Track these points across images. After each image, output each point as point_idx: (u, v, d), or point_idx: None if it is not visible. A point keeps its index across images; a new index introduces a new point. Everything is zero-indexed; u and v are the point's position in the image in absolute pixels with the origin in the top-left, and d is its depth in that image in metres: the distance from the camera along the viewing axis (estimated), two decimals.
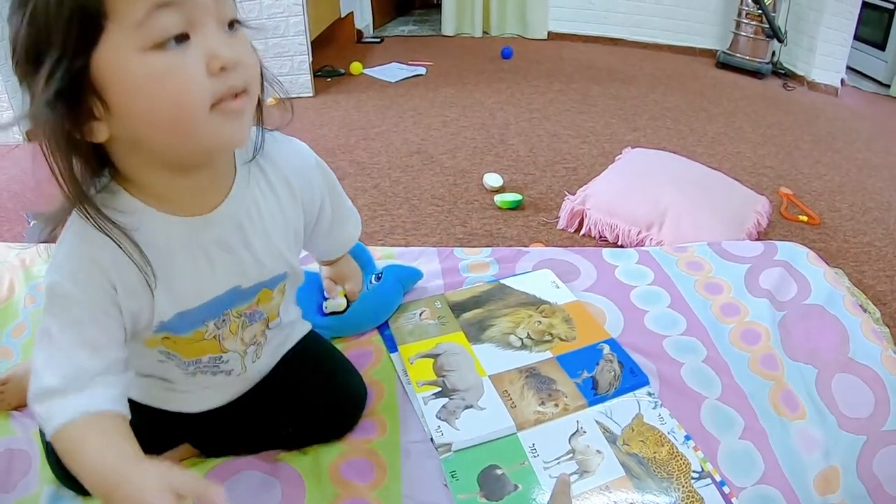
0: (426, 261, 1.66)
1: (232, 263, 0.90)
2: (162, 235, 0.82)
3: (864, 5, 5.86)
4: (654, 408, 1.25)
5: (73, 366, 0.76)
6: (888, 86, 5.69)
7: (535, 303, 1.51)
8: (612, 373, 1.31)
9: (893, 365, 1.43)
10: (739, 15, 4.95)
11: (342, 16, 4.54)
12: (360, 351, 1.35)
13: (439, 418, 1.17)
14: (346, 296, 1.40)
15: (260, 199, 0.93)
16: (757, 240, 2.18)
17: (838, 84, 5.06)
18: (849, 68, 6.03)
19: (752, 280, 1.65)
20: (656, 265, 1.70)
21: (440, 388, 1.24)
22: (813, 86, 5.00)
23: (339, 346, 1.31)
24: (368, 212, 2.34)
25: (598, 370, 1.32)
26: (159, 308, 0.85)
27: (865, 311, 1.99)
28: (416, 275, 1.54)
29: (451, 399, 1.22)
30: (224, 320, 0.95)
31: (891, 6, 5.62)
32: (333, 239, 1.23)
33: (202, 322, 0.92)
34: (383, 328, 1.41)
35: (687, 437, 1.20)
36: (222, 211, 0.88)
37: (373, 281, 1.42)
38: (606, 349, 1.38)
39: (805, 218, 2.62)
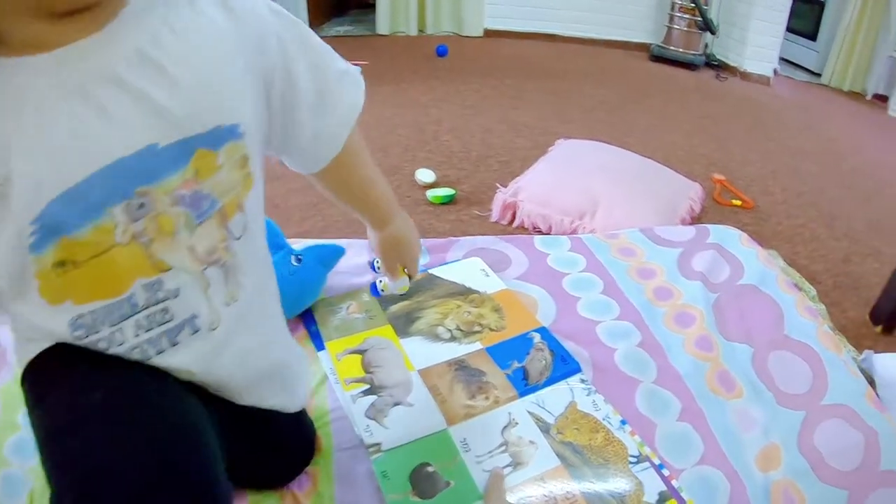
0: (355, 253, 1.60)
1: (136, 108, 0.60)
2: (14, 80, 0.57)
3: None
4: (588, 395, 1.22)
5: None
6: (819, 74, 5.85)
7: (464, 292, 1.47)
8: (543, 362, 1.28)
9: (829, 340, 1.42)
10: (672, 8, 5.02)
11: None
12: None
13: (368, 417, 1.13)
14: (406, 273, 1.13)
15: (173, 16, 0.63)
16: (690, 225, 2.17)
17: (770, 74, 5.16)
18: (782, 59, 6.17)
19: (685, 263, 1.64)
20: (588, 252, 1.67)
21: (368, 386, 1.19)
22: (746, 76, 5.09)
23: None
24: (301, 213, 2.27)
25: (529, 360, 1.29)
26: (25, 185, 0.57)
27: (800, 289, 2.00)
28: (337, 251, 1.45)
29: (379, 396, 1.17)
30: (143, 205, 0.63)
31: None
32: (330, 112, 0.86)
33: (102, 207, 0.61)
34: (309, 324, 1.35)
35: (623, 422, 1.17)
36: (110, 35, 0.60)
37: (293, 262, 1.33)
38: (537, 338, 1.35)
39: (738, 202, 2.63)
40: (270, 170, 2.48)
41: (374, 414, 1.13)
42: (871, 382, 1.51)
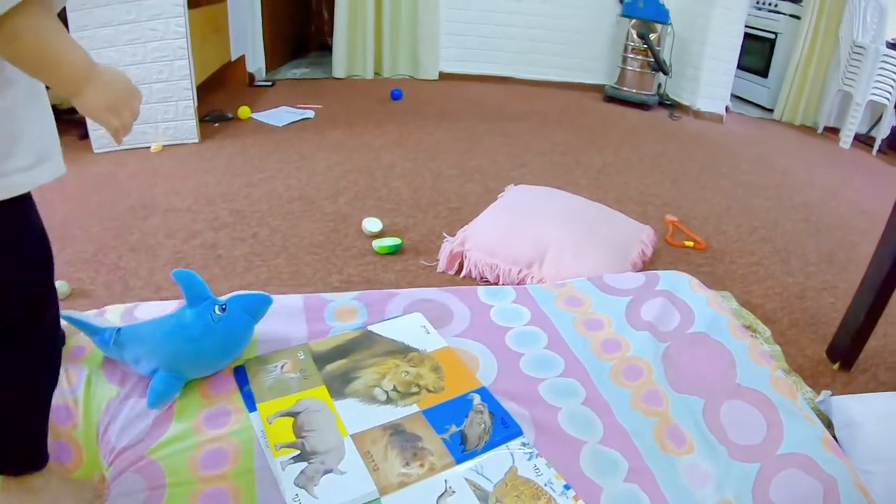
0: (291, 309, 1.52)
1: None
2: None
3: (747, 36, 6.14)
4: (530, 458, 1.16)
5: None
6: (771, 110, 5.95)
7: (403, 351, 1.40)
8: (483, 425, 1.21)
9: (783, 386, 1.38)
10: (626, 50, 5.08)
11: (233, 59, 4.40)
12: (219, 409, 1.20)
13: (297, 485, 1.06)
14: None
15: None
16: (642, 269, 2.14)
17: (723, 111, 5.23)
18: (734, 96, 6.28)
19: (634, 313, 1.59)
20: (533, 303, 1.61)
21: (299, 451, 1.12)
22: (699, 114, 5.15)
23: (197, 399, 1.19)
24: (245, 262, 2.21)
25: (468, 423, 1.22)
26: None
27: (754, 332, 1.96)
28: (264, 301, 1.38)
29: (310, 463, 1.10)
30: None
31: (772, 36, 5.90)
32: None
33: None
34: (242, 383, 1.27)
35: (566, 487, 1.11)
36: None
37: (217, 312, 1.26)
38: (477, 399, 1.28)
39: (691, 243, 2.61)
40: (216, 218, 2.44)
41: (303, 482, 1.07)
42: (830, 425, 1.48)
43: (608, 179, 3.35)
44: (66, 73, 0.85)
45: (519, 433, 1.21)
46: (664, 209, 2.97)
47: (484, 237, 2.10)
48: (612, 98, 5.18)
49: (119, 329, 1.24)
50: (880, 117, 5.34)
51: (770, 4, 6.04)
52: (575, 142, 3.99)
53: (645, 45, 4.92)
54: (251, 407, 1.22)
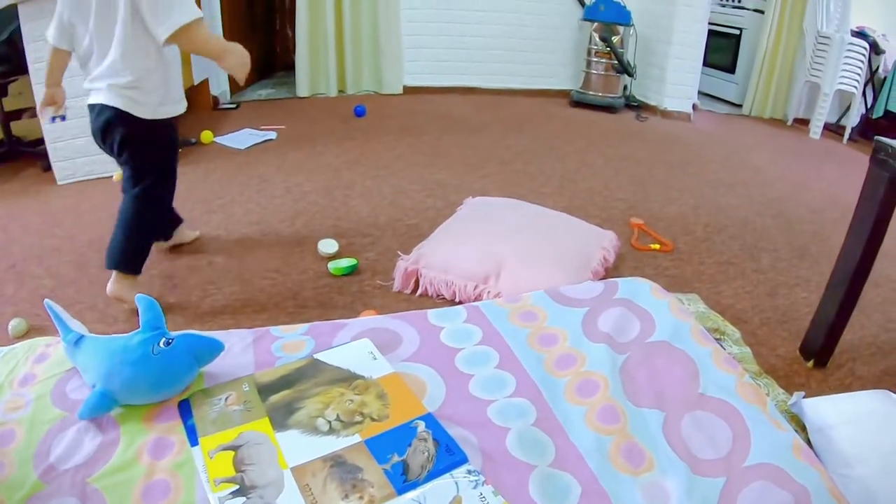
0: (239, 340, 1.46)
1: None
2: None
3: (713, 33, 6.15)
4: (475, 487, 1.08)
5: None
6: (740, 105, 5.95)
7: (348, 378, 1.33)
8: (426, 453, 1.14)
9: (751, 392, 1.32)
10: (589, 54, 5.07)
11: (195, 83, 4.35)
12: (163, 440, 1.16)
13: None
14: None
15: None
16: (605, 276, 2.08)
17: (690, 110, 5.22)
18: (702, 93, 6.28)
19: (591, 324, 1.51)
20: (486, 322, 1.53)
21: (238, 486, 1.06)
22: (666, 114, 5.13)
23: (141, 428, 1.17)
24: (200, 291, 2.16)
25: (410, 452, 1.14)
26: None
27: (722, 335, 1.90)
28: (215, 346, 1.33)
29: (248, 498, 1.04)
30: None
31: (737, 32, 5.91)
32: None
33: None
34: (186, 417, 1.22)
35: None
36: None
37: (160, 345, 1.23)
38: (421, 426, 1.20)
39: (657, 246, 2.56)
40: (175, 247, 2.38)
41: None
42: (804, 429, 1.42)
43: (572, 186, 3.30)
44: (215, 50, 2.01)
45: (464, 460, 1.13)
46: (630, 212, 2.92)
47: (438, 254, 2.04)
48: (579, 103, 5.16)
49: (82, 336, 1.28)
50: (849, 106, 5.35)
51: (734, 1, 6.05)
52: (539, 149, 3.95)
53: (607, 48, 4.90)
54: (193, 441, 1.17)
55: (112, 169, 3.14)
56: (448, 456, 1.14)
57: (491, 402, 1.28)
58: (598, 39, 4.93)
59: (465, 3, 5.13)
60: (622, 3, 4.93)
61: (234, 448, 1.15)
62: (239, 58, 2.01)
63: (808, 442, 1.43)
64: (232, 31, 4.94)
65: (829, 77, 5.26)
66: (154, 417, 1.21)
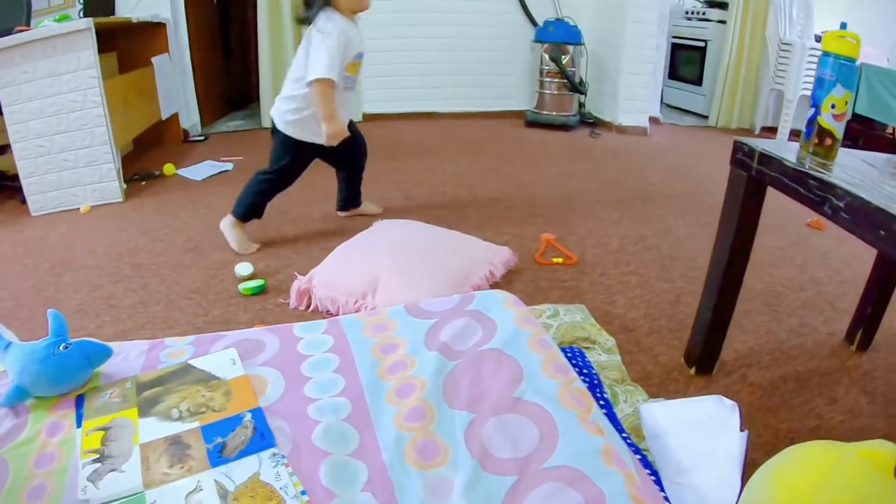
0: (136, 348, 1.68)
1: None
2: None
3: (679, 47, 6.26)
4: (275, 466, 1.26)
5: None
6: (707, 117, 6.03)
7: (207, 379, 1.53)
8: (243, 437, 1.34)
9: (573, 398, 1.41)
10: (542, 74, 5.18)
11: (164, 118, 4.53)
12: (58, 423, 1.40)
13: (89, 480, 1.24)
14: None
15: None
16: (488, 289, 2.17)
17: (646, 124, 5.30)
18: (672, 107, 6.37)
19: (433, 334, 1.63)
20: (340, 333, 1.67)
21: (99, 456, 1.31)
22: (621, 130, 5.22)
23: (44, 414, 1.41)
24: (130, 310, 2.33)
25: (232, 436, 1.34)
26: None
27: (593, 343, 2.00)
28: (104, 351, 1.58)
29: (102, 465, 1.29)
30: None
31: (702, 44, 6.00)
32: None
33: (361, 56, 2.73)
34: (79, 406, 1.46)
35: (303, 492, 1.19)
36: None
37: (60, 349, 1.50)
38: (247, 417, 1.40)
39: (560, 259, 2.64)
40: (118, 272, 2.57)
41: (94, 478, 1.25)
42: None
43: (496, 205, 3.42)
44: (327, 112, 2.60)
45: (271, 445, 1.31)
46: (544, 228, 3.03)
47: (327, 273, 2.17)
48: (533, 123, 5.27)
49: (10, 343, 1.53)
50: None
51: (698, 14, 6.15)
52: (476, 171, 4.07)
53: (558, 69, 5.01)
54: (79, 423, 1.41)
55: (80, 201, 3.38)
56: (260, 441, 1.33)
57: (316, 400, 1.43)
58: (548, 60, 5.04)
59: (421, 30, 5.29)
60: (572, 23, 5.05)
61: (105, 429, 1.39)
62: (334, 128, 2.65)
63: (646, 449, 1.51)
64: (203, 65, 5.14)
65: (792, 84, 5.35)
66: (56, 407, 1.46)
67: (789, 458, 1.20)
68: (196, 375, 1.55)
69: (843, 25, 1.61)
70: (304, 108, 2.68)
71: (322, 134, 2.67)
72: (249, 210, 2.86)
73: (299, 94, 2.67)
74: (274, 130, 2.83)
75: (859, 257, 2.91)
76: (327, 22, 2.53)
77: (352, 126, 2.99)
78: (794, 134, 5.53)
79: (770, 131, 5.82)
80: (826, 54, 1.56)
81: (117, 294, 2.44)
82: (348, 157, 3.07)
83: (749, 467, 1.26)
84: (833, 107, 1.56)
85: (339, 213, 3.22)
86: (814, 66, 5.27)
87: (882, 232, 1.23)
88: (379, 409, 1.39)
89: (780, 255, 2.93)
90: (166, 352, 1.65)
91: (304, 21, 2.65)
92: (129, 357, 1.64)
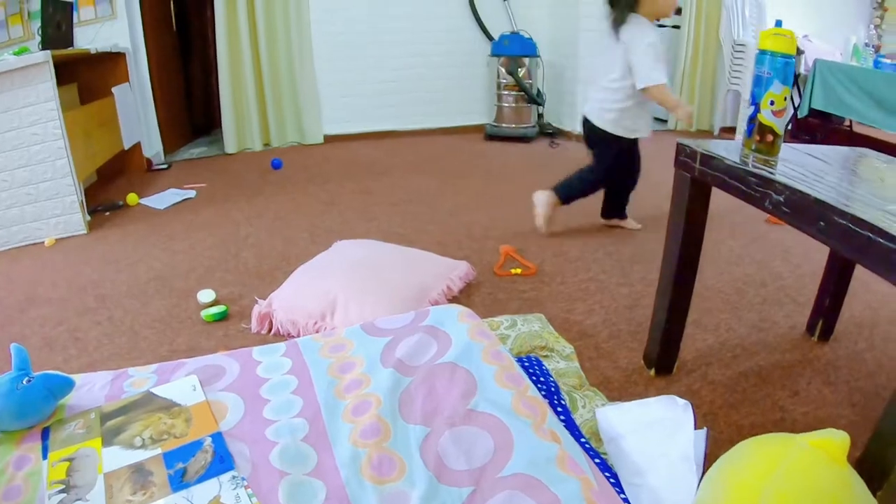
0: (101, 379, 1.67)
1: None
2: None
3: None
4: (234, 488, 1.28)
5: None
6: (666, 121, 6.11)
7: (169, 406, 1.54)
8: (203, 462, 1.35)
9: (527, 407, 1.44)
10: (499, 88, 5.23)
11: (127, 148, 4.51)
12: (24, 456, 1.40)
13: None
14: None
15: None
16: (448, 303, 2.20)
17: None
18: None
19: (389, 351, 1.65)
20: (298, 355, 1.69)
21: (64, 486, 1.32)
22: (581, 138, 5.25)
23: (11, 448, 1.40)
24: (96, 342, 2.32)
25: (192, 461, 1.35)
26: None
27: (550, 352, 2.02)
28: (66, 383, 1.58)
29: (68, 494, 1.29)
30: None
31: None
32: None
33: None
34: (45, 439, 1.46)
35: None
36: None
37: (23, 382, 1.49)
38: (207, 441, 1.41)
39: (519, 270, 2.67)
40: (83, 305, 2.60)
41: None
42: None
43: (455, 220, 3.46)
44: (672, 104, 2.97)
45: (230, 468, 1.33)
46: (504, 240, 3.07)
47: (286, 296, 2.19)
48: (493, 136, 5.31)
49: None
50: None
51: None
52: (437, 187, 4.11)
53: (515, 81, 5.07)
54: (45, 455, 1.42)
55: (44, 235, 3.36)
56: (220, 464, 1.34)
57: (275, 422, 1.44)
58: (505, 73, 5.10)
59: (377, 49, 5.33)
60: (527, 36, 5.12)
61: (70, 460, 1.40)
62: (683, 111, 2.94)
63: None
64: (164, 93, 5.12)
65: (748, 83, 5.43)
66: (23, 440, 1.46)
67: (739, 452, 1.23)
68: (158, 403, 1.56)
69: (778, 23, 1.66)
70: (625, 107, 3.03)
71: (637, 131, 3.14)
72: (569, 198, 3.22)
73: (618, 93, 3.01)
74: (588, 135, 3.27)
75: (821, 250, 2.96)
76: (642, 28, 2.85)
77: (635, 144, 3.25)
78: None
79: (729, 132, 5.91)
80: (762, 52, 1.59)
81: (83, 327, 2.43)
82: (624, 170, 3.29)
83: (710, 465, 1.28)
84: (772, 103, 1.59)
85: (602, 220, 3.42)
86: None
87: (822, 223, 1.27)
88: (335, 428, 1.41)
89: (741, 252, 3.00)
90: (129, 381, 1.66)
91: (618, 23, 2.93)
92: (94, 388, 1.64)
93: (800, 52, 5.31)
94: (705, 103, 5.97)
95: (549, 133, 5.40)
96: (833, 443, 1.10)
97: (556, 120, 5.52)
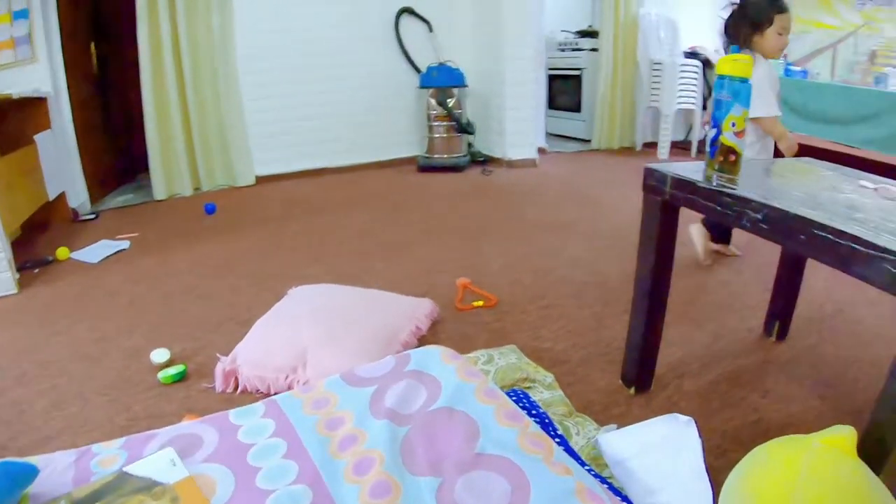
0: (63, 459, 1.52)
1: None
2: None
3: (556, 77, 6.48)
4: None
5: None
6: (589, 140, 6.26)
7: (149, 486, 1.40)
8: None
9: (533, 443, 1.41)
10: (430, 119, 5.26)
11: (51, 198, 4.25)
12: None
13: None
14: None
15: None
16: (419, 345, 2.16)
17: (535, 155, 5.46)
18: (555, 135, 6.58)
19: (378, 401, 1.59)
20: (280, 414, 1.60)
21: None
22: (511, 164, 5.35)
23: None
24: (44, 415, 2.12)
25: None
26: None
27: (532, 383, 2.00)
28: (29, 470, 1.41)
29: None
30: None
31: (578, 73, 6.25)
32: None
33: None
34: None
35: None
36: None
37: None
38: None
39: (481, 302, 2.65)
40: (22, 373, 2.40)
41: None
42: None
43: (403, 255, 3.41)
44: (779, 134, 2.89)
45: None
46: (458, 273, 3.04)
47: (251, 350, 2.09)
48: (426, 167, 5.33)
49: None
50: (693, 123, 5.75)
51: (571, 44, 6.41)
52: (376, 222, 4.07)
53: (445, 112, 5.09)
54: None
55: None
56: None
57: (272, 491, 1.35)
58: (435, 104, 5.12)
59: (304, 86, 5.27)
60: (454, 66, 5.16)
61: None
62: (788, 143, 2.89)
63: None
64: (87, 139, 4.89)
65: (666, 100, 5.64)
66: None
67: (755, 463, 1.23)
68: (135, 484, 1.42)
69: (735, 49, 1.70)
70: (754, 141, 2.96)
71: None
72: (720, 233, 3.23)
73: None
74: None
75: (757, 252, 3.10)
76: (760, 65, 2.89)
77: None
78: (675, 146, 5.82)
79: (651, 146, 6.10)
80: (721, 77, 1.66)
81: (26, 398, 2.23)
82: None
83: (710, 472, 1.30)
84: (734, 125, 1.65)
85: (713, 245, 3.33)
86: (686, 80, 5.58)
87: (802, 237, 1.31)
88: (340, 492, 1.34)
89: (684, 263, 3.06)
90: (96, 460, 1.52)
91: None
92: (56, 471, 1.48)
93: (713, 66, 5.54)
94: (626, 121, 6.16)
95: (481, 161, 5.44)
96: (843, 438, 1.14)
97: (486, 148, 5.56)
